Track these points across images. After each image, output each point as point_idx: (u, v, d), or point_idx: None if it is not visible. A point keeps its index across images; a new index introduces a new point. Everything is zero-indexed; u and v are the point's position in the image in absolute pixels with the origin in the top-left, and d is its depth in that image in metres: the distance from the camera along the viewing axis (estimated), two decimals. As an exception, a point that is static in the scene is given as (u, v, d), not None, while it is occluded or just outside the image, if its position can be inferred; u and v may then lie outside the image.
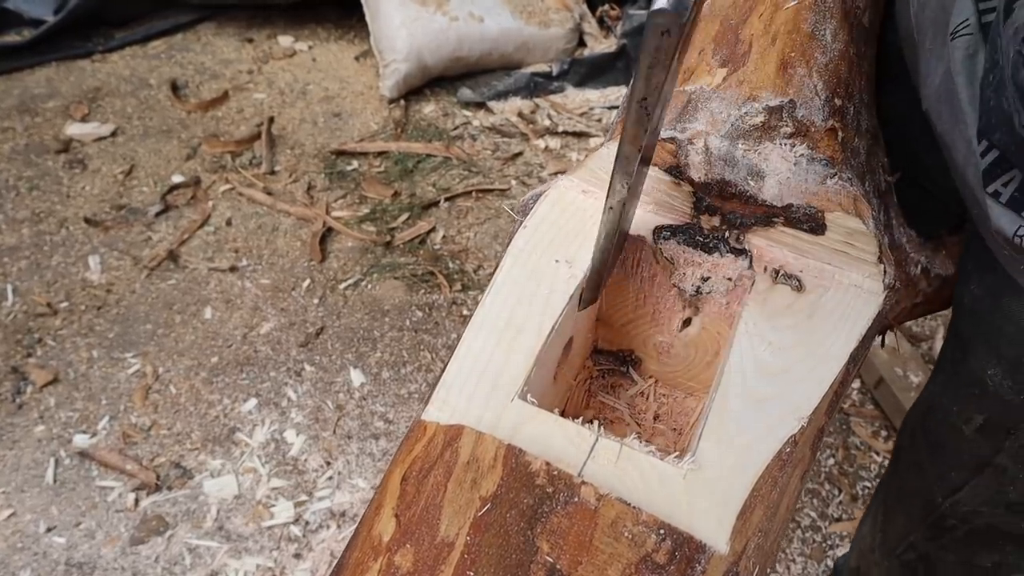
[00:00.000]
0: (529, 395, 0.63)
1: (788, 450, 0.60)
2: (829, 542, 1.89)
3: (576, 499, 0.54)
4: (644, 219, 0.77)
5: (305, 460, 1.95)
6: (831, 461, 2.05)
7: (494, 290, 0.70)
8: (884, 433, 2.11)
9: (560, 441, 0.59)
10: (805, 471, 0.64)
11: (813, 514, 1.93)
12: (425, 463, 0.56)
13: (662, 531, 0.53)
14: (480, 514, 0.53)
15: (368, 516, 0.55)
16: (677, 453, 0.61)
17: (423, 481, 0.55)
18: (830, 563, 1.85)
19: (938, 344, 2.30)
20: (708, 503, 0.56)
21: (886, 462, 2.05)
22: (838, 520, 1.93)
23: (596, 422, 0.61)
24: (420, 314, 2.31)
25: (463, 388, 0.62)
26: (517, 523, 0.53)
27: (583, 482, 0.55)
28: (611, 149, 0.76)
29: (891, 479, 1.17)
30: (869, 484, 2.01)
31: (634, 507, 0.54)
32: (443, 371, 0.64)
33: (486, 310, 0.68)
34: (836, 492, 1.98)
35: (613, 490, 0.55)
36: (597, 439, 0.59)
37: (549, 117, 3.05)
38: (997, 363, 0.84)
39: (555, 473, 0.55)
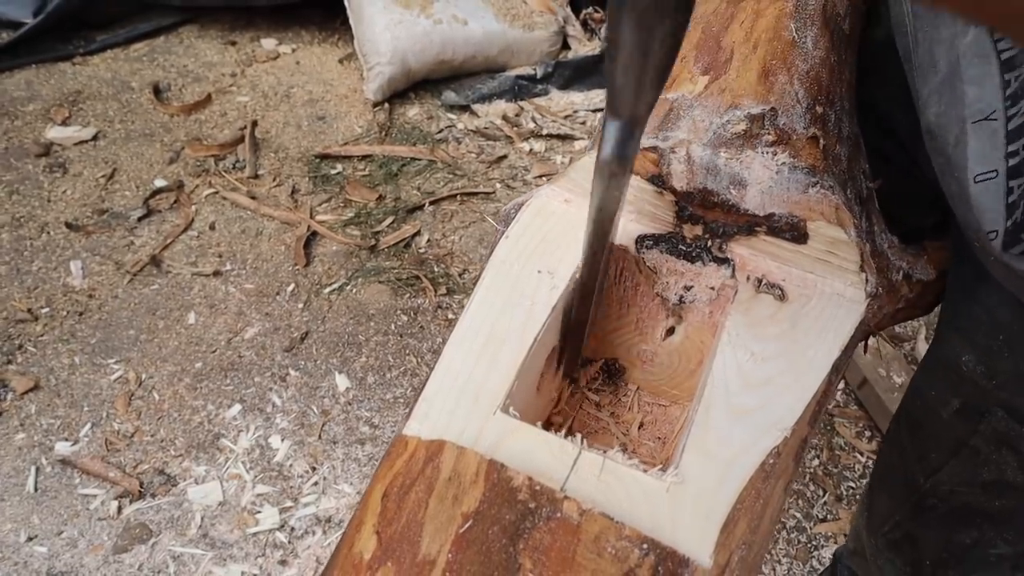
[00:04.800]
0: (511, 408, 0.63)
1: (771, 462, 0.60)
2: (814, 543, 1.90)
3: (559, 514, 0.54)
4: (627, 228, 0.77)
5: (290, 466, 1.94)
6: (815, 462, 2.06)
7: (476, 301, 0.69)
8: (868, 434, 2.13)
9: (542, 455, 0.59)
10: (788, 482, 0.64)
11: (798, 515, 1.94)
12: (406, 479, 0.56)
13: (645, 545, 0.53)
14: (462, 531, 0.52)
15: (349, 533, 0.55)
16: (660, 466, 0.61)
17: (404, 497, 0.55)
18: (815, 564, 1.86)
19: (920, 345, 2.32)
20: (691, 516, 0.56)
21: (870, 463, 2.07)
22: (823, 521, 1.94)
23: (579, 435, 0.60)
24: (405, 318, 2.30)
25: (444, 402, 0.62)
26: (499, 539, 0.52)
27: (566, 497, 0.54)
28: (593, 158, 0.76)
29: (877, 462, 1.21)
30: (854, 484, 2.02)
31: (617, 521, 0.54)
32: (424, 384, 0.64)
33: (468, 322, 0.68)
34: (821, 493, 1.99)
35: (596, 504, 0.54)
36: (580, 452, 0.59)
37: (533, 120, 3.04)
38: (971, 350, 0.87)
39: (537, 488, 0.55)
